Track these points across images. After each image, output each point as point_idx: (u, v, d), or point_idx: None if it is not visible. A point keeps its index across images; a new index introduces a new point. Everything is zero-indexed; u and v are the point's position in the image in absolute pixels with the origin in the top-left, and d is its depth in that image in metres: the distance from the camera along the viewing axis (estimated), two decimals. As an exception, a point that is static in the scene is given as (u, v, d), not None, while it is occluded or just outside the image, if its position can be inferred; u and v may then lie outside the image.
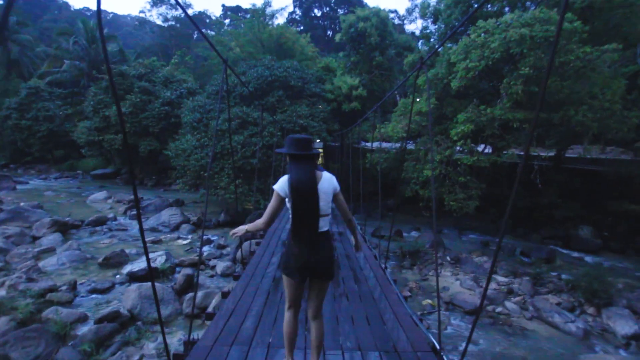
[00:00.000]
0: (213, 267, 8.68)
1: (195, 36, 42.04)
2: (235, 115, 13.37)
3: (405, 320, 3.04)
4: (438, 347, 2.57)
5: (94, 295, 6.68)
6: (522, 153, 12.46)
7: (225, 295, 3.90)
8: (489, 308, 7.23)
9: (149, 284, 6.70)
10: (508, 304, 7.42)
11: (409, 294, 7.68)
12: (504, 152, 11.56)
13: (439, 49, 13.88)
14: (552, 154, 14.04)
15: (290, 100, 14.84)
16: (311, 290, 2.23)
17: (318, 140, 14.40)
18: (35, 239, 9.72)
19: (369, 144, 16.27)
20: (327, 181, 2.16)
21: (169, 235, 10.96)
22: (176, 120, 18.96)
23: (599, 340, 6.45)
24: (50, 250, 8.87)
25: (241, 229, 2.20)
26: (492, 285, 8.32)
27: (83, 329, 5.39)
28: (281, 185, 2.11)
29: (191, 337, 2.73)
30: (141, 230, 1.90)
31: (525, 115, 8.87)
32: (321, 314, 2.28)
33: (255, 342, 2.62)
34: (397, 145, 14.10)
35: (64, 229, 10.47)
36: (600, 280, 7.56)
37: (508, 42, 8.10)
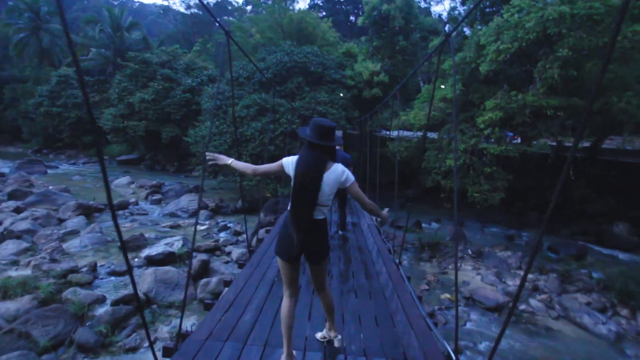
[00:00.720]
0: (229, 254, 8.72)
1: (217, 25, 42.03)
2: (254, 102, 13.25)
3: (418, 323, 2.79)
4: (454, 358, 2.33)
5: (112, 278, 6.84)
6: (554, 143, 11.68)
7: (227, 284, 3.77)
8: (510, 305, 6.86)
9: (165, 268, 6.81)
10: (533, 301, 7.02)
11: (426, 287, 7.43)
12: (534, 142, 10.88)
13: (466, 31, 13.11)
14: (586, 144, 13.12)
15: (310, 86, 14.54)
16: (310, 270, 2.29)
17: (338, 130, 14.10)
18: (61, 221, 10.09)
19: (389, 132, 15.81)
20: (334, 173, 2.08)
21: (187, 220, 11.12)
22: (197, 107, 19.13)
23: (632, 344, 5.99)
24: (75, 233, 9.18)
25: (218, 156, 2.28)
26: (516, 281, 7.91)
27: (100, 310, 5.51)
28: (288, 163, 2.13)
29: (187, 328, 2.62)
30: (115, 223, 1.73)
31: (561, 102, 8.22)
32: (325, 286, 2.33)
33: (251, 339, 2.45)
34: (419, 134, 13.60)
35: (88, 212, 10.82)
36: (636, 280, 7.00)
37: (545, 22, 7.44)
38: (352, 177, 2.12)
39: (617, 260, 10.33)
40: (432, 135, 13.29)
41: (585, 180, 12.77)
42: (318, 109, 13.39)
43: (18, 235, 8.26)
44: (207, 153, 2.28)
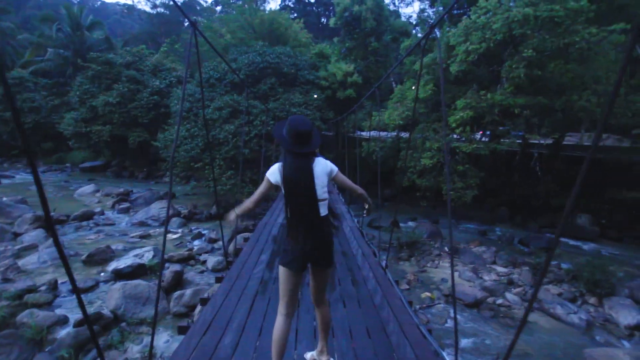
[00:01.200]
0: (204, 262, 8.36)
1: (186, 24, 40.83)
2: (226, 103, 12.87)
3: (412, 332, 2.69)
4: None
5: (75, 295, 6.31)
6: (519, 141, 12.15)
7: (204, 302, 3.49)
8: (489, 300, 7.01)
9: (134, 282, 6.39)
10: (509, 295, 7.22)
11: (407, 286, 7.45)
12: (502, 140, 11.27)
13: (437, 33, 13.40)
14: (549, 141, 13.80)
15: (283, 87, 14.34)
16: (313, 280, 2.16)
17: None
18: (17, 235, 9.30)
19: (364, 133, 15.88)
20: (319, 165, 2.05)
21: (157, 229, 10.58)
22: (166, 110, 18.38)
23: (601, 331, 6.27)
24: (32, 248, 8.47)
25: (232, 216, 2.20)
26: (492, 276, 8.11)
27: (62, 333, 5.06)
28: (273, 173, 2.03)
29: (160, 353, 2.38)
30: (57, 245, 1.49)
31: (527, 101, 8.53)
32: (325, 298, 2.23)
33: (231, 368, 2.25)
34: (393, 134, 13.75)
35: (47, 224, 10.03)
36: (601, 269, 7.37)
37: (510, 23, 7.69)
38: (335, 167, 2.12)
39: (582, 251, 10.89)
40: (406, 134, 13.49)
41: (551, 176, 13.41)
42: (292, 111, 13.22)
43: (-35, 254, 7.49)
44: (229, 218, 2.25)
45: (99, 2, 72.25)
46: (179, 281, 6.93)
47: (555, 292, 7.39)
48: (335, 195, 9.36)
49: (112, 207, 13.13)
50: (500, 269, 8.56)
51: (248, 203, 2.09)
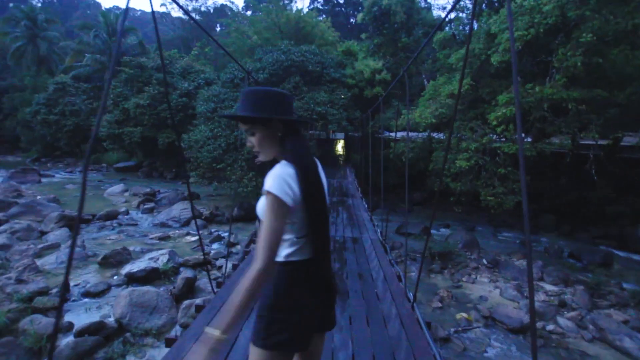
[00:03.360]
0: (220, 268, 7.95)
1: (218, 29, 41.78)
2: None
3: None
4: None
5: (86, 300, 6.11)
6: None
7: (198, 309, 2.95)
8: (538, 325, 6.00)
9: (143, 288, 6.05)
10: (561, 320, 6.17)
11: (439, 304, 6.60)
12: (547, 140, 10.02)
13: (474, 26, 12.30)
14: (602, 142, 12.24)
15: (308, 86, 13.84)
16: (314, 350, 1.37)
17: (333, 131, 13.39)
18: (43, 234, 9.42)
19: (392, 134, 15.02)
20: (321, 168, 1.35)
21: (177, 231, 10.39)
22: (193, 112, 18.53)
23: (684, 371, 5.12)
24: (55, 247, 8.48)
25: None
26: (540, 295, 7.05)
27: (63, 342, 4.76)
28: (286, 185, 1.14)
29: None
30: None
31: (582, 94, 7.39)
32: None
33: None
34: (424, 134, 12.80)
35: (73, 223, 10.13)
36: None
37: (565, 4, 6.65)
38: None
39: (647, 268, 9.42)
40: (439, 135, 12.50)
41: (605, 180, 11.87)
42: (317, 110, 12.68)
43: (-11, 252, 7.57)
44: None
45: (139, 12, 76.37)
46: (190, 288, 6.54)
47: (619, 318, 6.23)
48: (358, 200, 8.62)
49: (137, 207, 13.21)
50: (549, 287, 7.46)
51: (262, 270, 1.07)
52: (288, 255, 1.24)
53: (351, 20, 49.32)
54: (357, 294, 3.41)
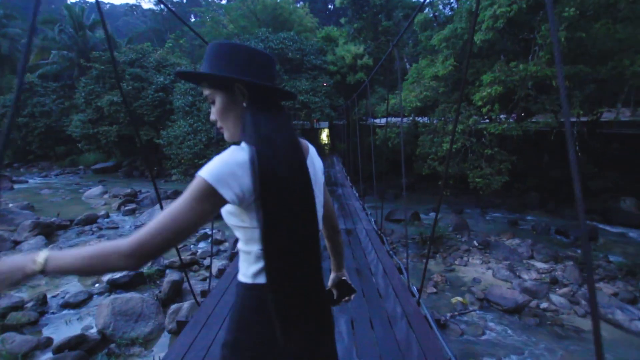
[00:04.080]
0: (208, 267, 7.68)
1: (192, 19, 40.26)
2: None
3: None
4: None
5: (65, 311, 5.75)
6: (549, 120, 10.81)
7: (204, 294, 2.70)
8: (532, 304, 6.02)
9: (126, 295, 5.74)
10: (554, 297, 6.21)
11: (434, 289, 6.55)
12: (529, 119, 10.04)
13: (454, 4, 12.10)
14: (583, 118, 12.40)
15: (289, 74, 13.45)
16: None
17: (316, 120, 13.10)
18: (16, 243, 8.88)
19: (377, 120, 14.83)
20: (316, 156, 1.02)
21: (162, 231, 9.98)
22: (171, 107, 17.84)
23: (673, 339, 5.23)
24: (30, 256, 7.99)
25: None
26: (532, 274, 7.10)
27: (43, 359, 4.45)
28: (228, 175, 0.80)
29: None
30: None
31: (566, 71, 7.33)
32: None
33: None
34: (408, 119, 12.66)
35: (49, 230, 9.62)
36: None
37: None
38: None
39: (630, 239, 9.67)
40: (424, 119, 12.38)
41: (586, 156, 12.08)
42: (299, 98, 12.33)
43: (-44, 267, 7.04)
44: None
45: (108, 5, 73.06)
46: (177, 291, 6.26)
47: (609, 291, 6.33)
48: (349, 189, 8.43)
49: (118, 209, 12.68)
50: (540, 264, 7.53)
51: (115, 254, 0.74)
52: (255, 275, 0.91)
53: (329, 6, 48.41)
54: (357, 293, 3.13)
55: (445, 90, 9.65)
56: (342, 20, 16.57)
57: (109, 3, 74.83)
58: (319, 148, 20.47)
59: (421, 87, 9.63)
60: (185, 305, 5.55)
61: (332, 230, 1.14)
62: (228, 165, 0.80)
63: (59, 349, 4.44)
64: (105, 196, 14.97)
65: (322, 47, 15.61)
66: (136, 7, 37.97)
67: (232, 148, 0.84)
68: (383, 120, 12.66)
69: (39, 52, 25.08)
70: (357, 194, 7.85)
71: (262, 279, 0.89)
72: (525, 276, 6.94)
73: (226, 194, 0.79)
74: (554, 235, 9.91)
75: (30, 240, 8.84)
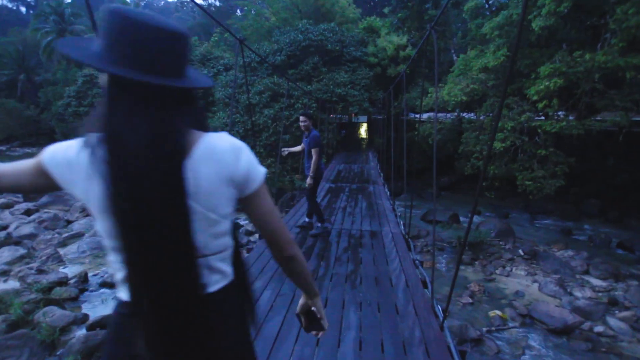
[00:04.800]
0: (248, 247, 7.77)
1: (239, 13, 41.33)
2: (266, 86, 12.15)
3: None
4: None
5: (103, 290, 6.08)
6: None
7: None
8: (584, 326, 5.33)
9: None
10: (612, 320, 5.45)
11: (470, 300, 6.04)
12: (598, 117, 8.88)
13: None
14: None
15: (328, 66, 13.20)
16: None
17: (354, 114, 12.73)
18: (69, 222, 9.64)
19: (417, 115, 14.13)
20: (213, 155, 0.74)
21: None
22: (213, 99, 18.42)
23: None
24: (79, 236, 8.62)
25: None
26: (586, 292, 6.30)
27: (77, 334, 4.71)
28: (60, 157, 0.74)
29: None
30: None
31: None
32: None
33: None
34: (452, 115, 11.87)
35: (97, 212, 10.33)
36: None
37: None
38: (259, 170, 0.81)
39: None
40: (470, 115, 11.54)
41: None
42: (337, 91, 12.06)
43: (17, 241, 7.77)
44: None
45: (162, 2, 77.50)
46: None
47: (684, 319, 5.42)
48: (380, 187, 8.04)
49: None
50: (596, 282, 6.67)
51: None
52: (118, 286, 0.84)
53: (374, -3, 47.13)
54: (371, 306, 2.73)
55: (495, 83, 8.84)
56: (386, 10, 15.88)
57: (163, 0, 79.30)
58: (357, 142, 20.04)
59: (468, 80, 8.91)
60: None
61: (279, 255, 0.88)
62: (65, 149, 0.76)
63: (92, 326, 4.67)
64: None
65: (363, 38, 15.11)
66: (187, 3, 39.66)
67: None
68: (425, 116, 12.00)
69: (99, 46, 27.06)
70: (388, 193, 7.46)
71: (121, 294, 0.83)
72: (577, 293, 6.18)
73: (54, 172, 0.76)
74: (615, 248, 8.79)
75: (81, 221, 9.54)
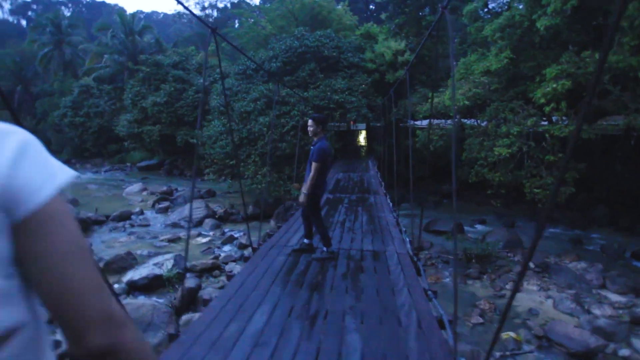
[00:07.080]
0: (230, 273, 7.29)
1: (236, 25, 41.50)
2: (261, 94, 11.81)
3: None
4: None
5: (80, 313, 5.58)
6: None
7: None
8: (608, 349, 4.83)
9: (137, 301, 5.44)
10: (637, 342, 4.97)
11: (480, 319, 5.55)
12: (606, 120, 8.51)
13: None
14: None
15: (324, 73, 12.90)
16: None
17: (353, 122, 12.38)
18: (54, 237, 9.17)
19: (417, 122, 13.76)
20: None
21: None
22: (208, 107, 18.14)
23: None
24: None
25: None
26: (605, 309, 5.81)
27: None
28: None
29: None
30: None
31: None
32: None
33: None
34: (451, 121, 11.50)
35: (85, 226, 9.86)
36: None
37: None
38: (50, 173, 0.47)
39: None
40: (471, 121, 11.18)
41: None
42: (334, 98, 11.72)
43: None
44: None
45: (162, 15, 78.49)
46: (192, 299, 5.90)
47: None
48: (382, 197, 7.58)
49: (152, 206, 12.91)
50: (615, 297, 6.19)
51: None
52: None
53: (370, 6, 47.36)
54: (377, 335, 2.25)
55: (498, 87, 8.49)
56: (383, 16, 15.68)
57: (162, 13, 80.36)
58: (355, 150, 19.68)
59: (470, 84, 8.56)
60: (197, 316, 5.15)
61: (79, 347, 0.43)
62: None
63: (60, 359, 4.17)
64: (144, 193, 15.42)
65: (360, 44, 14.86)
66: (185, 15, 39.88)
67: None
68: (424, 122, 11.63)
69: (93, 56, 27.05)
70: (390, 205, 6.97)
71: None
72: (596, 311, 5.69)
73: None
74: (629, 259, 8.31)
75: None
